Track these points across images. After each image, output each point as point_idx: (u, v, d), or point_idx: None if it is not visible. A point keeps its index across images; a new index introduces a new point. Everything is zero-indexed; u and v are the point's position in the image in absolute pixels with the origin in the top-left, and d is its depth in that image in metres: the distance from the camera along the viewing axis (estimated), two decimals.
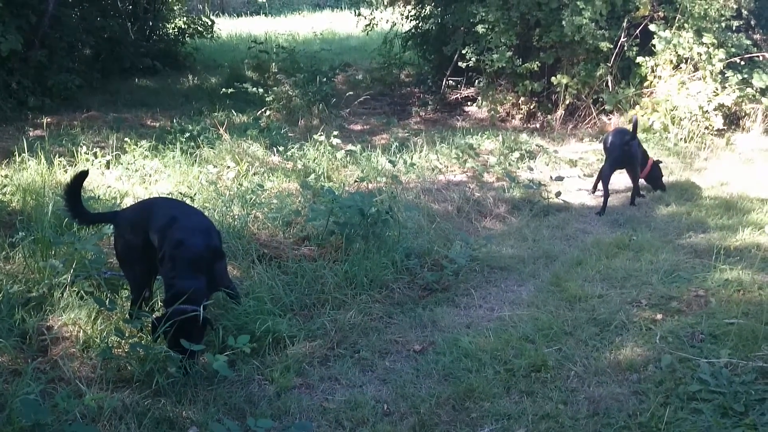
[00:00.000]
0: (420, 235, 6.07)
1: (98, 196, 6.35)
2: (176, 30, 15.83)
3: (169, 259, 4.02)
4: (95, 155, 7.65)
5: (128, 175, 7.23)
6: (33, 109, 10.64)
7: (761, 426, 3.37)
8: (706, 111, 9.85)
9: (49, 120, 9.84)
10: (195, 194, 6.55)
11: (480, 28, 10.69)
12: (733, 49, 9.96)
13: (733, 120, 10.52)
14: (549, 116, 11.19)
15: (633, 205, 7.45)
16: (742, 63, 10.10)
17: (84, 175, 4.54)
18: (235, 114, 10.82)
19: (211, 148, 8.33)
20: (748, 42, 10.12)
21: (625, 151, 7.25)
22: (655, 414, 3.54)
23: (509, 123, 11.43)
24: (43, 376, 3.77)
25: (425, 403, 3.76)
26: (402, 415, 3.70)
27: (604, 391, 3.83)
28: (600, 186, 7.64)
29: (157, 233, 4.15)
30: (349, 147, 8.64)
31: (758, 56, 10.29)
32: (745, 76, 9.98)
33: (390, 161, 7.98)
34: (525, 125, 11.28)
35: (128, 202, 6.36)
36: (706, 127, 9.96)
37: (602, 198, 7.37)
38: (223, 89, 11.01)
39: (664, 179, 7.86)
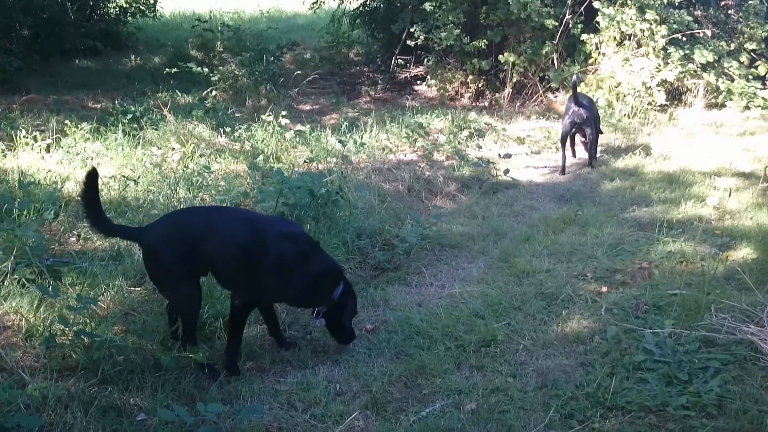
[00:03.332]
0: (371, 215, 6.06)
1: (38, 181, 6.15)
2: (117, 9, 15.34)
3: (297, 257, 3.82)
4: (35, 139, 7.40)
5: (69, 158, 7.01)
6: None
7: (704, 393, 3.47)
8: (649, 87, 10.06)
9: None
10: (139, 177, 6.41)
11: (427, 6, 10.67)
12: (675, 26, 10.15)
13: (676, 95, 10.77)
14: (497, 94, 11.27)
15: (591, 167, 7.86)
16: (684, 39, 10.33)
17: (94, 175, 3.85)
18: (180, 94, 10.60)
19: (155, 129, 8.15)
20: (690, 18, 10.34)
21: (574, 112, 7.70)
22: (602, 384, 3.62)
23: (458, 102, 11.47)
24: None
25: (377, 382, 3.78)
26: (354, 394, 3.71)
27: (552, 363, 3.90)
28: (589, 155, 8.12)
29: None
30: (299, 127, 8.57)
31: (699, 32, 10.52)
32: (687, 51, 10.22)
33: (340, 141, 7.93)
34: (474, 104, 11.34)
35: (70, 186, 6.19)
36: (649, 103, 10.17)
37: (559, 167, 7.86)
38: (167, 69, 10.76)
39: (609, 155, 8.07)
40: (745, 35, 10.72)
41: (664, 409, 3.41)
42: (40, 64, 12.46)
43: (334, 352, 4.14)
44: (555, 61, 10.92)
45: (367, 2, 13.07)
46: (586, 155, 8.10)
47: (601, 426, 3.32)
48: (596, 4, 10.29)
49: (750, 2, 10.66)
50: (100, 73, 12.61)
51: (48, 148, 7.31)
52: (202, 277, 4.01)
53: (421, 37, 10.90)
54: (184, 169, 6.72)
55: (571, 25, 10.67)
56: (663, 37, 10.01)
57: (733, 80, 10.51)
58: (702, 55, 10.14)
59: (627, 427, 3.30)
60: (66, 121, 8.14)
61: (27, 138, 7.37)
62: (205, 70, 10.58)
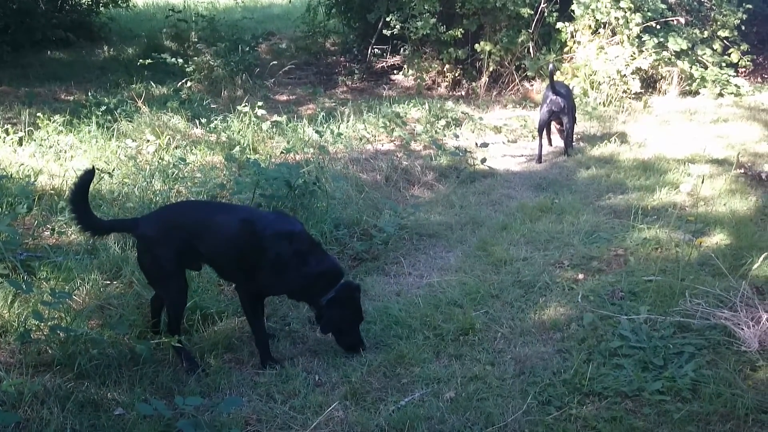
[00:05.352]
0: (349, 205, 6.06)
1: (11, 175, 6.07)
2: None
3: (293, 257, 3.77)
4: (7, 132, 7.29)
5: (42, 151, 6.90)
6: None
7: (680, 378, 3.53)
8: (624, 75, 10.13)
9: None
10: (113, 170, 6.34)
11: None
12: (649, 14, 10.22)
13: (650, 83, 10.86)
14: (473, 83, 11.29)
15: (567, 155, 7.89)
16: (658, 27, 10.41)
17: (90, 174, 3.87)
18: (154, 86, 10.50)
19: (130, 121, 8.07)
20: (664, 6, 10.42)
21: (552, 101, 7.71)
22: (579, 371, 3.65)
23: (435, 91, 11.48)
24: None
25: (356, 372, 3.78)
26: (333, 385, 3.71)
27: (529, 350, 3.93)
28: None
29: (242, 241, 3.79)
30: (275, 118, 8.51)
31: (673, 20, 10.61)
32: (661, 39, 10.30)
33: (317, 131, 7.90)
34: (450, 93, 11.35)
35: (43, 180, 6.10)
36: (624, 91, 10.25)
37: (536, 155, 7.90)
38: (141, 60, 10.63)
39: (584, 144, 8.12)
40: (718, 23, 10.83)
41: (640, 394, 3.46)
42: (11, 55, 12.27)
43: (313, 344, 4.13)
44: (531, 50, 10.96)
45: None
46: (562, 144, 8.14)
47: (578, 412, 3.35)
48: None
49: None
50: (72, 65, 12.44)
51: (20, 141, 7.20)
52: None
53: (397, 26, 10.87)
54: (160, 161, 6.65)
55: (546, 14, 10.71)
56: (637, 25, 10.08)
57: (706, 68, 10.62)
58: (676, 43, 10.23)
59: (604, 413, 3.34)
60: (38, 114, 8.03)
61: None
62: (180, 60, 10.48)
